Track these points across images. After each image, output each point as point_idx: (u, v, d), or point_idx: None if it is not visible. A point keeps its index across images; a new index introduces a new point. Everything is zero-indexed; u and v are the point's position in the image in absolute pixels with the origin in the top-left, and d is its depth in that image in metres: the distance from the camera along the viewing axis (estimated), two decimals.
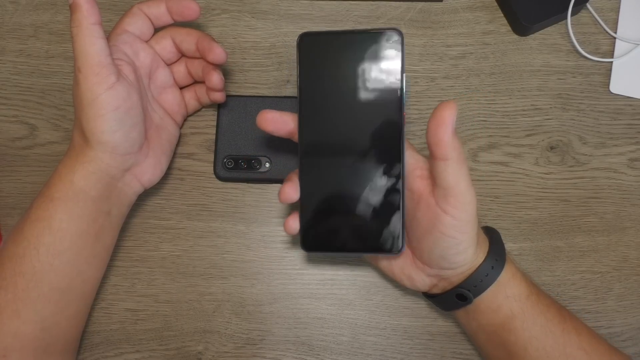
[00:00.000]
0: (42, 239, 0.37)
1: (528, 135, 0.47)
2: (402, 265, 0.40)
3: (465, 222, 0.35)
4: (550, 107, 0.48)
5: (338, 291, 0.45)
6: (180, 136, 0.47)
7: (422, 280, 0.39)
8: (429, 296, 0.41)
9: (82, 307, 0.42)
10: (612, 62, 0.48)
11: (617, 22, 0.49)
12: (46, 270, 0.38)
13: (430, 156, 0.34)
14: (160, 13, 0.41)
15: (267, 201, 0.47)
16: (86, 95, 0.37)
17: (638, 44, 0.48)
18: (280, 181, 0.46)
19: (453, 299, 0.39)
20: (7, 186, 0.47)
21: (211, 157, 0.47)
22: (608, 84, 0.48)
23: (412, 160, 0.37)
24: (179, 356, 0.44)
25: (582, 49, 0.48)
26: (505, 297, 0.38)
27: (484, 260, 0.37)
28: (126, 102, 0.38)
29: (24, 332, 0.37)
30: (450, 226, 0.35)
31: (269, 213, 0.46)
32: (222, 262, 0.46)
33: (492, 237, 0.39)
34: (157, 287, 0.45)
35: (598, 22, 0.49)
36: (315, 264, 0.46)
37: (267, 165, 0.46)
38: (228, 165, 0.46)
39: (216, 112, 0.47)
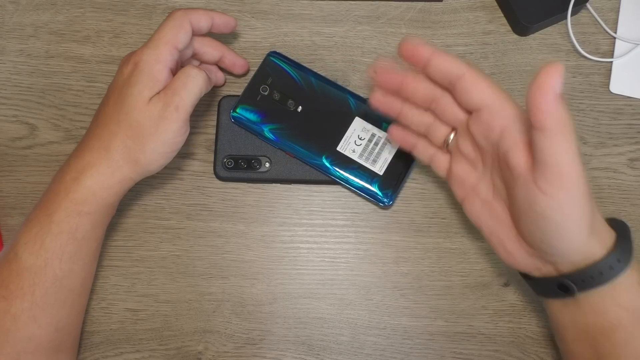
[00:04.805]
0: (66, 248, 0.38)
1: None
2: (503, 239, 0.36)
3: (567, 203, 0.31)
4: None
5: (338, 291, 0.45)
6: None
7: (523, 259, 0.36)
8: (526, 277, 0.39)
9: (86, 302, 0.43)
10: (612, 62, 0.48)
11: (617, 22, 0.49)
12: (66, 275, 0.38)
13: (531, 126, 0.30)
14: (206, 28, 0.42)
15: (267, 201, 0.47)
16: (168, 134, 0.38)
17: (638, 44, 0.48)
18: (280, 181, 0.46)
19: (553, 287, 0.35)
20: (7, 186, 0.47)
21: (211, 157, 0.47)
22: (608, 84, 0.48)
23: (515, 133, 0.33)
24: (179, 356, 0.44)
25: (582, 49, 0.48)
26: (616, 304, 0.34)
27: (603, 257, 0.33)
28: (182, 145, 0.40)
29: (39, 335, 0.38)
30: (547, 207, 0.31)
31: (269, 213, 0.46)
32: (222, 262, 0.46)
33: (621, 232, 0.35)
34: (157, 287, 0.45)
35: (598, 22, 0.49)
36: (315, 264, 0.46)
37: (267, 165, 0.46)
38: (228, 165, 0.46)
39: (216, 112, 0.47)
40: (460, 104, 0.36)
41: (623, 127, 0.48)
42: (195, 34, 0.41)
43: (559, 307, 0.37)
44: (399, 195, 0.46)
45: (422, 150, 0.41)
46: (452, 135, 0.39)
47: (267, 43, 0.49)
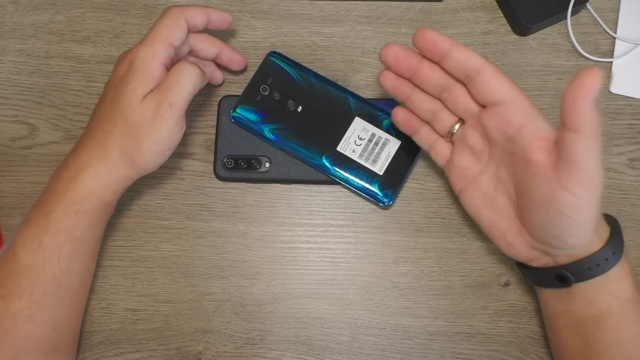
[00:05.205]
0: (64, 247, 0.38)
1: None
2: (504, 231, 0.38)
3: (587, 203, 0.32)
4: (551, 107, 0.48)
5: (338, 291, 0.45)
6: None
7: (524, 251, 0.37)
8: (522, 266, 0.40)
9: (85, 301, 0.43)
10: (612, 62, 0.48)
11: (617, 22, 0.49)
12: (65, 274, 0.38)
13: (561, 126, 0.31)
14: (202, 24, 0.41)
15: (267, 201, 0.47)
16: (163, 132, 0.38)
17: (638, 44, 0.48)
18: (280, 181, 0.46)
19: (551, 277, 0.37)
20: (7, 186, 0.47)
21: (211, 157, 0.47)
22: (608, 84, 0.48)
23: (534, 129, 0.34)
24: (179, 356, 0.44)
25: (582, 49, 0.48)
26: (607, 294, 0.36)
27: (600, 249, 0.35)
28: (179, 142, 0.40)
29: (37, 334, 0.38)
30: (569, 205, 0.32)
31: (269, 213, 0.46)
32: (222, 262, 0.46)
33: (613, 227, 0.37)
34: (157, 287, 0.45)
35: (598, 22, 0.49)
36: (315, 264, 0.46)
37: (267, 165, 0.46)
38: (228, 165, 0.46)
39: (216, 112, 0.47)
40: (475, 96, 0.37)
41: (623, 127, 0.48)
42: (191, 30, 0.41)
43: (552, 296, 0.38)
44: (399, 195, 0.46)
45: (424, 137, 0.41)
46: (457, 126, 0.39)
47: (267, 43, 0.49)
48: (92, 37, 0.49)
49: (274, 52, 0.47)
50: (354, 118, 0.45)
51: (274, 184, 0.47)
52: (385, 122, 0.45)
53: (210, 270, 0.46)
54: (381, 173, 0.45)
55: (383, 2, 0.50)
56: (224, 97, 0.47)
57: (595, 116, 0.30)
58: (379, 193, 0.45)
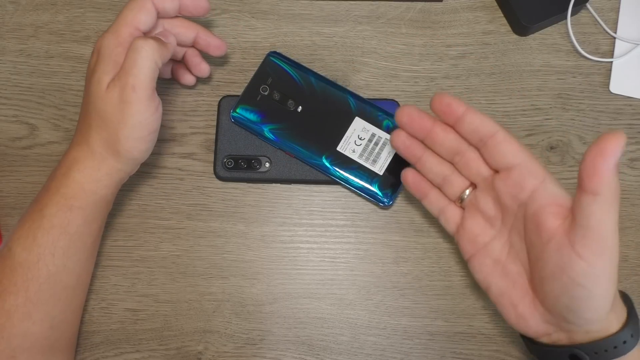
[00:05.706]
0: (58, 243, 0.38)
1: (528, 135, 0.47)
2: (515, 301, 0.36)
3: (603, 271, 0.31)
4: (550, 107, 0.48)
5: (338, 291, 0.45)
6: (180, 136, 0.47)
7: (537, 325, 0.35)
8: (530, 341, 0.37)
9: (83, 299, 0.42)
10: (612, 62, 0.48)
11: (617, 22, 0.49)
12: (60, 271, 0.38)
13: (578, 188, 0.30)
14: (172, 9, 0.40)
15: (267, 201, 0.47)
16: (136, 117, 0.37)
17: (638, 44, 0.48)
18: (280, 181, 0.46)
19: (564, 356, 0.34)
20: (7, 186, 0.47)
21: (211, 157, 0.47)
22: (608, 84, 0.48)
23: (547, 194, 0.33)
24: (179, 356, 0.44)
25: (582, 49, 0.48)
26: None
27: (619, 331, 0.33)
28: (160, 121, 0.39)
29: (34, 332, 0.37)
30: (583, 274, 0.31)
31: (269, 213, 0.46)
32: (222, 262, 0.46)
33: (630, 305, 0.35)
34: (157, 287, 0.45)
35: (598, 22, 0.49)
36: (315, 264, 0.46)
37: (267, 165, 0.46)
38: (228, 165, 0.46)
39: (216, 112, 0.47)
40: (487, 160, 0.36)
41: (623, 127, 0.48)
42: (162, 16, 0.40)
43: None
44: (399, 195, 0.46)
45: (434, 201, 0.40)
46: (467, 191, 0.39)
47: (267, 43, 0.49)
48: (92, 37, 0.49)
49: (274, 52, 0.47)
50: (354, 118, 0.45)
51: (274, 184, 0.47)
52: (385, 122, 0.45)
53: (210, 270, 0.46)
54: (381, 173, 0.45)
55: (383, 2, 0.50)
56: (224, 97, 0.47)
57: (616, 182, 0.29)
58: (379, 193, 0.45)
